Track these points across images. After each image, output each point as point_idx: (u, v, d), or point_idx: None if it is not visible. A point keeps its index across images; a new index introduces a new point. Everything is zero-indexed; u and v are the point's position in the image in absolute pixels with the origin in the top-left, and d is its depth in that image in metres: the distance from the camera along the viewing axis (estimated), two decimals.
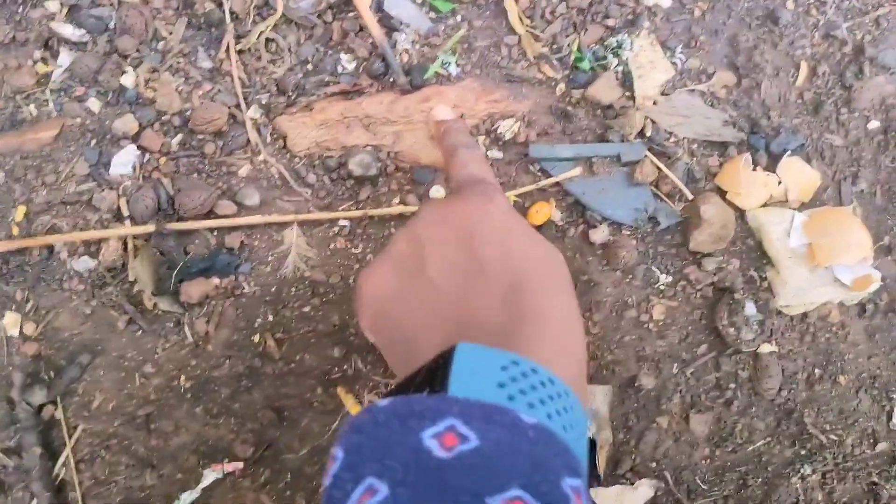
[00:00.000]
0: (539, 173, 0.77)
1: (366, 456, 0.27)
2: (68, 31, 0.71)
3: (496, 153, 0.76)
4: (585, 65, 0.79)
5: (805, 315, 0.77)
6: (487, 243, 0.41)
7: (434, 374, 0.31)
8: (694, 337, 0.76)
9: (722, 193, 0.79)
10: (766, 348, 0.77)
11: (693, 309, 0.76)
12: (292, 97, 0.75)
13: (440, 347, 0.33)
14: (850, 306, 0.78)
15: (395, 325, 0.41)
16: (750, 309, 0.77)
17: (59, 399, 0.69)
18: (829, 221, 0.78)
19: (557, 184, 0.77)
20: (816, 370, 0.76)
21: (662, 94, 0.80)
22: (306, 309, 0.73)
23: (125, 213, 0.70)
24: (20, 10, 0.72)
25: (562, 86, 0.79)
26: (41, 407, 0.69)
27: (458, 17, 0.79)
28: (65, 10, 0.72)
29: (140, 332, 0.70)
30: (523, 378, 0.31)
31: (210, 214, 0.71)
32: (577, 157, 0.77)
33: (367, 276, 0.44)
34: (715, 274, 0.77)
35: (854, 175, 0.81)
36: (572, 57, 0.79)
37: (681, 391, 0.75)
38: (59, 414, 0.69)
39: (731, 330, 0.76)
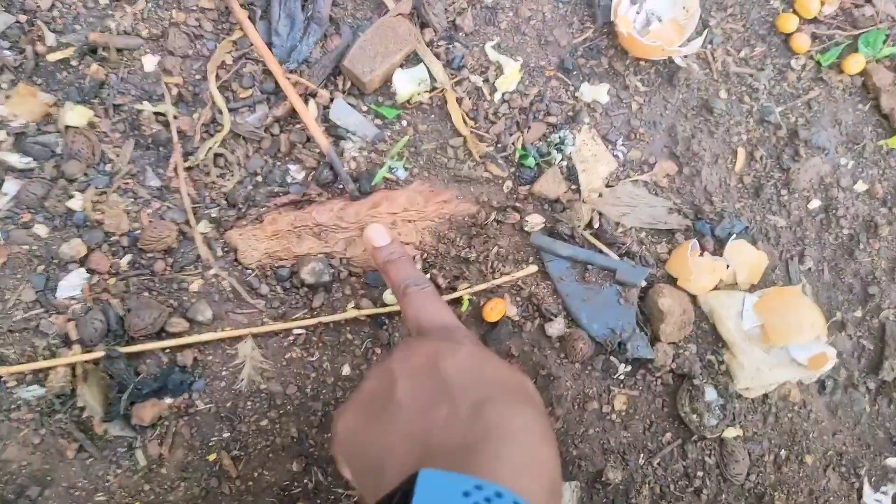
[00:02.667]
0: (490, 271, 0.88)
1: None
2: (14, 159, 0.82)
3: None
4: (530, 161, 0.92)
5: (766, 396, 0.88)
6: (454, 368, 0.47)
7: (397, 499, 0.36)
8: (658, 426, 0.86)
9: (673, 280, 0.90)
10: (730, 433, 0.87)
11: (654, 397, 0.87)
12: (242, 209, 0.86)
13: (406, 472, 0.37)
14: (810, 384, 0.90)
15: (364, 454, 0.46)
16: (710, 394, 0.87)
17: None
18: (780, 301, 0.90)
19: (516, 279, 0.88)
20: (782, 451, 0.87)
21: (607, 185, 0.93)
22: (263, 422, 0.81)
23: (73, 336, 0.79)
24: None
25: (509, 183, 0.92)
26: None
27: (404, 122, 0.92)
28: (11, 140, 0.82)
29: (91, 459, 0.78)
30: (486, 503, 0.34)
31: (161, 333, 0.81)
32: (573, 258, 0.88)
33: (340, 412, 0.50)
34: (673, 360, 0.88)
35: (800, 254, 0.94)
36: (517, 155, 0.92)
37: (649, 483, 0.84)
38: None
39: (694, 416, 0.86)
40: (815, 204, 0.96)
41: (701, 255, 0.91)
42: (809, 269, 0.94)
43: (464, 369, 0.48)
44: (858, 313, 0.94)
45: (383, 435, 0.46)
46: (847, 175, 0.97)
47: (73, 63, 0.84)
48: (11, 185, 0.82)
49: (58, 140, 0.83)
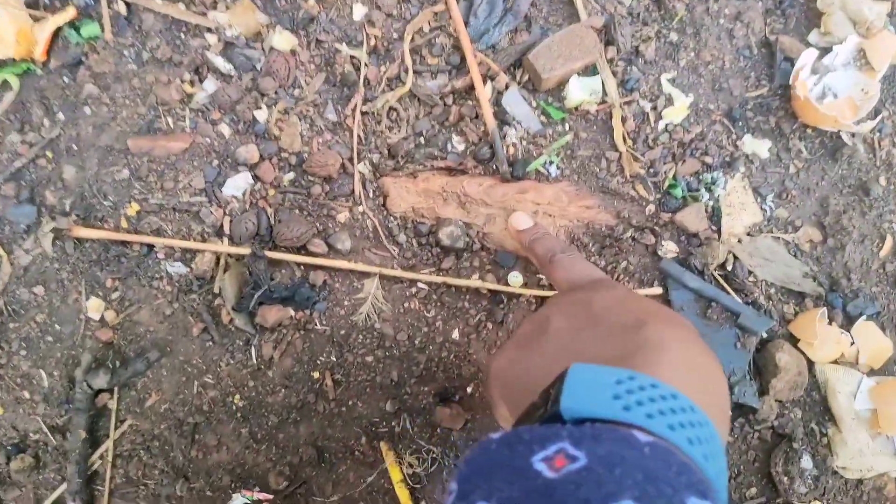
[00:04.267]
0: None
1: (476, 483, 0.30)
2: (219, 62, 0.95)
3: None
4: (678, 192, 1.01)
5: (860, 482, 0.92)
6: (609, 302, 0.49)
7: (548, 396, 0.37)
8: (745, 478, 0.91)
9: (794, 341, 0.96)
10: None
11: (749, 448, 0.92)
12: (400, 162, 0.97)
13: None
14: None
15: (520, 382, 0.48)
16: (806, 462, 0.92)
17: (117, 389, 0.86)
18: None
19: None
20: None
21: (748, 234, 1.00)
22: (369, 358, 0.91)
23: (226, 230, 0.91)
24: (182, 35, 0.98)
25: (651, 207, 1.00)
26: (98, 392, 0.86)
27: (567, 126, 1.02)
28: (221, 45, 0.97)
29: (210, 342, 0.88)
30: (640, 391, 0.34)
31: (302, 250, 0.92)
32: (699, 292, 0.97)
33: (494, 355, 0.54)
34: (777, 418, 0.93)
35: None
36: (666, 183, 1.01)
37: None
38: (112, 404, 0.86)
39: (785, 479, 0.91)
40: None
41: (829, 325, 0.96)
42: None
43: (618, 301, 0.50)
44: None
45: (539, 359, 0.48)
46: None
47: None
48: (211, 84, 0.96)
49: (261, 57, 0.97)
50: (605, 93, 1.05)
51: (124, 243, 0.90)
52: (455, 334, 0.94)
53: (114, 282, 0.89)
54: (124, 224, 0.91)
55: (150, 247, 0.90)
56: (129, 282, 0.89)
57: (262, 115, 0.97)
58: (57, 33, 0.97)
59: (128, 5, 0.98)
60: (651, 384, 0.36)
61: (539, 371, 0.47)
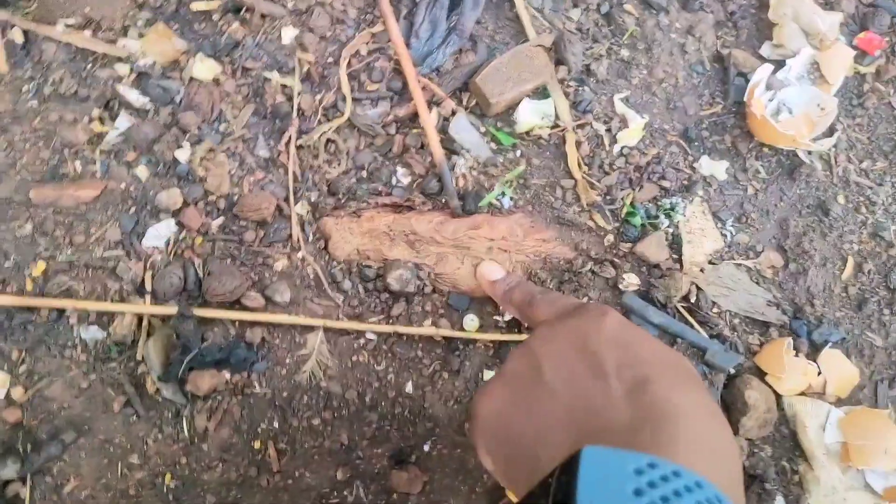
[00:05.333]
0: None
1: None
2: (133, 96, 0.84)
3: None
4: (637, 220, 0.94)
5: None
6: (605, 346, 0.44)
7: (560, 486, 0.33)
8: None
9: (760, 374, 0.90)
10: None
11: None
12: (342, 200, 0.88)
13: (564, 454, 0.34)
14: None
15: (514, 439, 0.44)
16: (780, 503, 0.86)
17: (29, 477, 0.74)
18: (866, 423, 0.90)
19: None
20: None
21: (710, 262, 0.94)
22: (315, 421, 0.81)
23: (148, 288, 0.80)
24: (89, 66, 0.86)
25: (610, 237, 0.93)
26: (6, 483, 0.74)
27: (518, 153, 0.94)
28: (134, 77, 0.85)
29: (135, 417, 0.78)
30: (664, 483, 0.31)
31: (236, 305, 0.81)
32: (664, 328, 0.90)
33: (482, 393, 0.49)
34: (748, 458, 0.87)
35: (892, 378, 0.94)
36: (624, 210, 0.94)
37: None
38: (25, 493, 0.74)
39: None
40: None
41: (795, 355, 0.91)
42: None
43: (614, 344, 0.45)
44: None
45: (536, 418, 0.44)
46: None
47: (215, 17, 0.87)
48: (124, 121, 0.84)
49: (180, 88, 0.86)
50: (557, 116, 0.97)
51: (30, 309, 0.78)
52: (409, 387, 0.85)
53: (20, 353, 0.77)
54: (29, 286, 0.79)
55: (61, 311, 0.78)
56: (37, 352, 0.77)
57: (184, 154, 0.85)
58: None
59: (25, 33, 0.85)
60: (674, 472, 0.32)
61: (537, 436, 0.43)
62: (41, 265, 0.79)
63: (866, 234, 1.01)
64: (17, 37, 0.86)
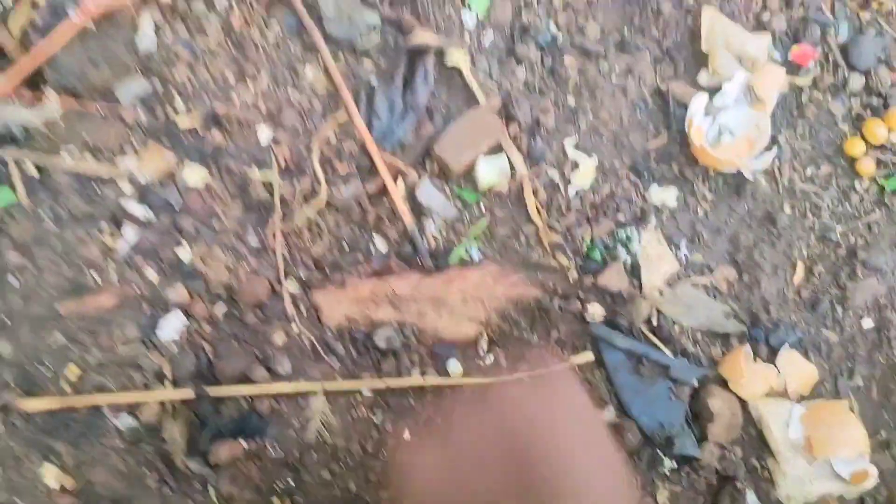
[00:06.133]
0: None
1: None
2: (136, 209, 0.96)
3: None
4: (597, 255, 1.03)
5: None
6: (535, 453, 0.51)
7: None
8: None
9: (725, 383, 0.99)
10: None
11: (697, 495, 0.95)
12: (328, 273, 0.99)
13: None
14: (850, 500, 0.96)
15: None
16: (751, 499, 0.96)
17: None
18: (826, 415, 0.98)
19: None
20: None
21: (668, 284, 1.04)
22: (325, 474, 0.93)
23: (168, 374, 0.92)
24: (96, 187, 0.98)
25: (574, 273, 1.03)
26: None
27: (482, 207, 1.04)
28: (135, 191, 0.97)
29: (169, 491, 0.90)
30: None
31: (245, 379, 0.92)
32: (630, 351, 1.00)
33: (407, 460, 0.58)
34: (719, 461, 0.96)
35: (850, 371, 1.02)
36: (584, 247, 1.04)
37: None
38: None
39: None
40: (869, 324, 1.04)
41: (754, 361, 0.99)
42: (858, 386, 1.02)
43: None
44: None
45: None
46: None
47: (198, 129, 0.99)
48: (131, 232, 0.96)
49: (176, 195, 0.98)
50: (513, 169, 1.07)
51: (71, 408, 0.90)
52: (406, 434, 0.95)
53: (66, 447, 0.90)
54: (67, 388, 0.91)
55: (96, 406, 0.91)
56: (81, 444, 0.90)
57: (185, 253, 0.97)
58: None
59: (38, 167, 0.98)
60: None
61: None
62: (74, 369, 0.92)
63: (814, 238, 1.09)
64: (32, 171, 0.98)
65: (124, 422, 0.92)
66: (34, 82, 0.97)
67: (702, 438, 0.97)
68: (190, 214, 0.98)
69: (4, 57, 0.96)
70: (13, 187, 0.97)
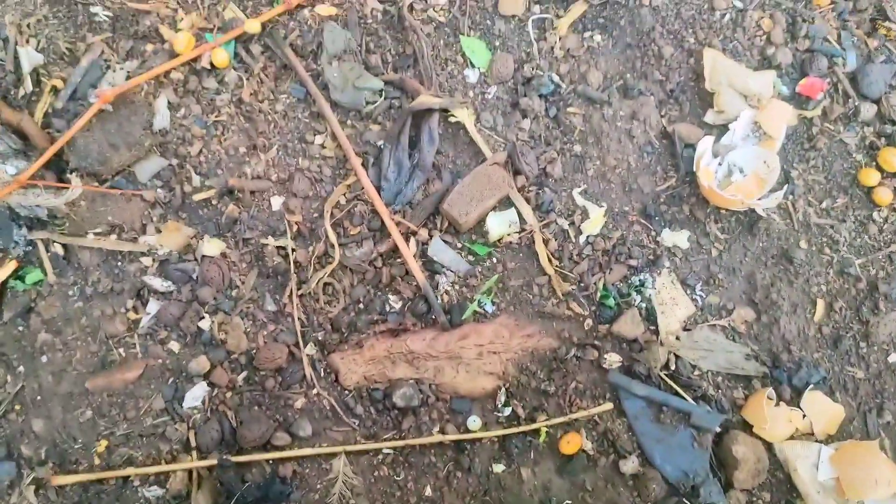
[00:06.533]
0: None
1: None
2: (157, 283, 0.99)
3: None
4: (611, 302, 1.03)
5: None
6: None
7: None
8: None
9: (748, 427, 0.98)
10: None
11: None
12: (345, 334, 1.01)
13: None
14: None
15: None
16: None
17: None
18: (856, 455, 0.96)
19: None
20: None
21: (685, 328, 1.03)
22: None
23: (193, 443, 0.94)
24: (119, 263, 1.02)
25: (589, 321, 1.03)
26: None
27: (494, 260, 1.05)
28: (156, 265, 1.00)
29: None
30: None
31: (267, 445, 0.94)
32: (649, 398, 1.00)
33: None
34: None
35: (879, 407, 1.00)
36: (598, 294, 1.04)
37: None
38: None
39: None
40: (895, 358, 1.02)
41: (777, 404, 0.98)
42: (888, 423, 0.99)
43: None
44: None
45: None
46: None
47: (214, 202, 1.02)
48: (153, 306, 1.00)
49: (194, 267, 1.01)
50: (522, 220, 1.08)
51: (101, 480, 0.93)
52: (427, 491, 0.96)
53: None
54: (97, 461, 0.94)
55: (125, 477, 0.93)
56: None
57: (205, 323, 1.00)
58: (3, 287, 1.00)
59: (64, 246, 1.02)
60: None
61: None
62: (104, 442, 0.95)
63: (833, 274, 1.08)
64: (59, 249, 1.03)
65: (153, 492, 0.94)
66: (56, 166, 1.01)
67: (728, 486, 0.95)
68: (209, 284, 1.01)
69: (26, 140, 1.00)
70: (42, 267, 1.01)
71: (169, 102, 1.05)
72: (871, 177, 1.10)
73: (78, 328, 0.98)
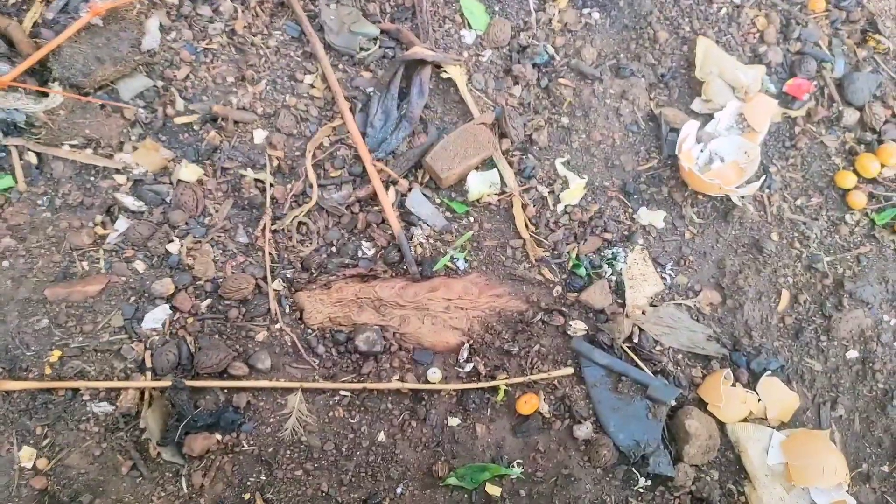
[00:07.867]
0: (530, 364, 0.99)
1: None
2: (129, 201, 0.98)
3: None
4: (582, 271, 1.04)
5: None
6: None
7: None
8: None
9: (703, 405, 0.99)
10: None
11: None
12: (314, 274, 1.00)
13: None
14: None
15: None
16: None
17: None
18: (807, 443, 0.97)
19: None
20: None
21: (651, 304, 1.04)
22: (298, 472, 0.93)
23: (148, 364, 0.93)
24: (92, 178, 1.00)
25: (558, 288, 1.03)
26: None
27: (471, 219, 1.05)
28: (129, 184, 0.99)
29: (140, 478, 0.90)
30: None
31: (224, 374, 0.93)
32: (610, 368, 1.00)
33: None
34: (694, 483, 0.95)
35: (833, 400, 1.02)
36: (570, 263, 1.05)
37: None
38: None
39: None
40: (853, 354, 1.04)
41: (734, 385, 0.99)
42: (841, 416, 1.01)
43: None
44: (885, 468, 1.00)
45: None
46: (888, 331, 1.05)
47: (195, 127, 1.02)
48: (122, 223, 0.98)
49: (169, 190, 1.00)
50: (503, 183, 1.08)
51: (49, 390, 0.92)
52: (381, 437, 0.96)
53: (43, 429, 0.91)
54: (48, 371, 0.93)
55: (75, 390, 0.92)
56: (57, 427, 0.91)
57: (174, 247, 0.99)
58: None
59: (38, 155, 1.00)
60: None
61: None
62: (57, 352, 0.93)
63: (801, 267, 1.09)
64: (32, 158, 1.01)
65: (102, 408, 0.93)
66: (40, 74, 1.00)
67: (677, 459, 0.96)
68: (182, 209, 1.00)
69: (13, 48, 0.99)
70: (13, 174, 0.99)
71: (161, 24, 1.04)
72: (847, 179, 1.12)
73: (43, 237, 0.97)
